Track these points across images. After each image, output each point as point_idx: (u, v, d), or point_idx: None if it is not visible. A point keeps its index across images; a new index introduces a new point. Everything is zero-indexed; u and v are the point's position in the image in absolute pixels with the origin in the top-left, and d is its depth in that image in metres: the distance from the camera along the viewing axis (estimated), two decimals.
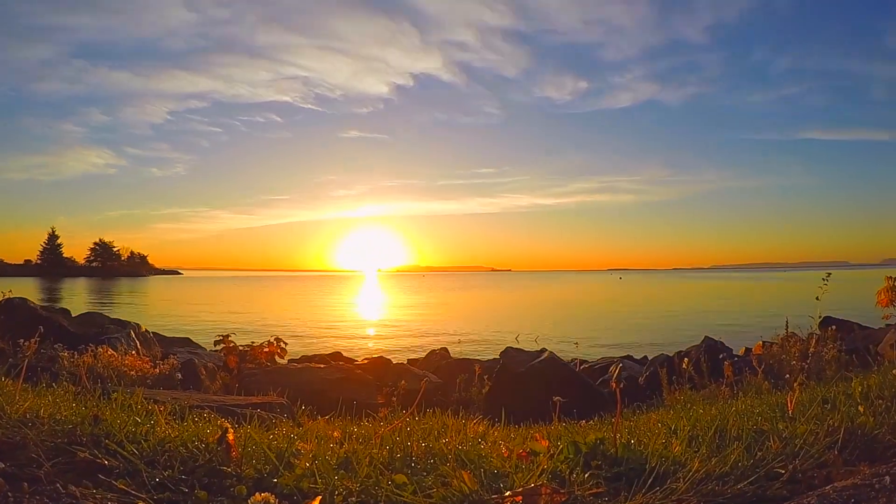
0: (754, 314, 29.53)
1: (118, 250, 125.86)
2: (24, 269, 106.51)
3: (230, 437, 1.91)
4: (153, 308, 38.77)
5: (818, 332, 6.54)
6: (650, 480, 1.77)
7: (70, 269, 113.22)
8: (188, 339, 12.03)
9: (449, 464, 1.92)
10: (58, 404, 2.51)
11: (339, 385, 6.75)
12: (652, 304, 43.77)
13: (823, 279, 6.03)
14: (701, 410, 3.29)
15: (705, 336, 8.43)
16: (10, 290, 8.36)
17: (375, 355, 11.14)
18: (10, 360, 4.97)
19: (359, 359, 10.71)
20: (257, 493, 1.44)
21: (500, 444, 2.31)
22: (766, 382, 5.29)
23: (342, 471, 1.86)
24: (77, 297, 47.52)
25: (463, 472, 1.78)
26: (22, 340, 5.43)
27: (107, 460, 1.81)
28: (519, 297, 59.42)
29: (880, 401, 2.59)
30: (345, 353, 12.56)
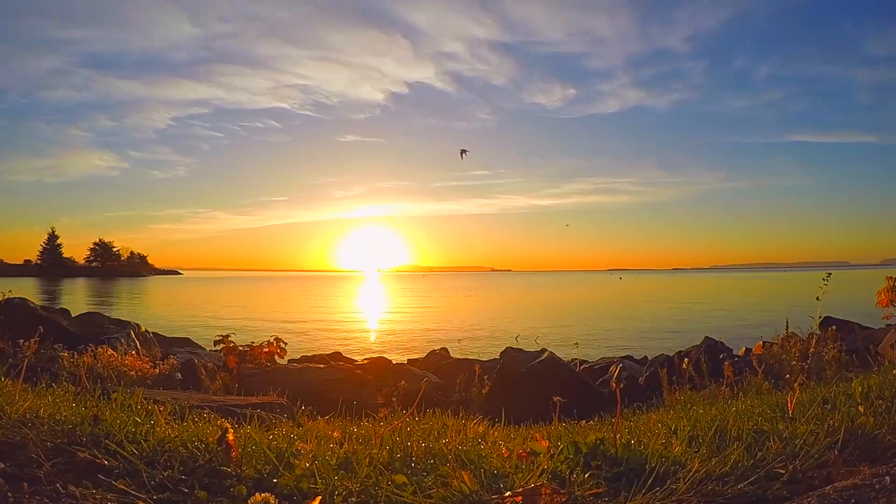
0: (754, 314, 29.55)
1: (118, 250, 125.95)
2: (24, 269, 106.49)
3: (230, 437, 1.91)
4: (153, 308, 38.78)
5: (818, 332, 6.54)
6: (650, 481, 1.77)
7: (70, 269, 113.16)
8: (188, 339, 12.04)
9: (449, 464, 1.92)
10: (57, 404, 2.51)
11: (338, 385, 6.75)
12: (652, 304, 43.77)
13: (823, 279, 6.03)
14: (701, 410, 3.29)
15: (705, 336, 8.43)
16: (10, 291, 8.37)
17: (375, 355, 11.15)
18: (10, 360, 4.97)
19: (359, 359, 10.71)
20: (257, 494, 1.44)
21: (500, 445, 2.31)
22: (767, 383, 5.29)
23: (342, 471, 1.86)
24: (77, 297, 47.52)
25: (463, 472, 1.78)
26: (22, 340, 5.44)
27: (107, 460, 1.81)
28: (519, 297, 59.42)
29: (881, 401, 2.59)
30: (344, 353, 12.56)
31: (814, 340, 6.07)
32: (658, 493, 1.71)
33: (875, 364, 5.21)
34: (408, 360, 11.67)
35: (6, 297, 8.19)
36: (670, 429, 2.58)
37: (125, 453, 1.86)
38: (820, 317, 6.53)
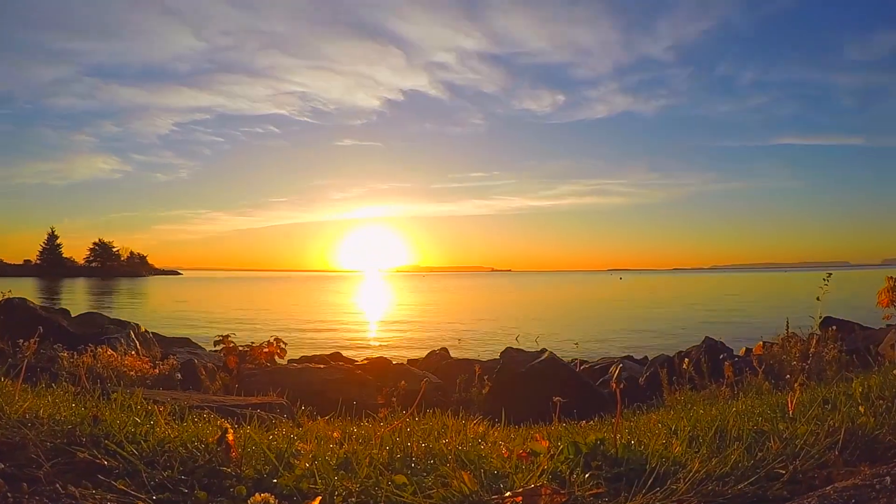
0: (754, 314, 29.54)
1: (118, 250, 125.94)
2: (24, 270, 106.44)
3: (230, 437, 1.90)
4: (153, 308, 38.77)
5: (819, 332, 6.54)
6: (650, 481, 1.76)
7: (69, 269, 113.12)
8: (188, 339, 12.04)
9: (449, 464, 1.92)
10: (57, 405, 2.51)
11: (338, 385, 6.75)
12: (652, 304, 43.76)
13: (824, 279, 6.03)
14: (701, 411, 3.28)
15: (705, 336, 8.43)
16: (10, 290, 8.37)
17: (375, 355, 11.14)
18: (10, 360, 4.97)
19: (358, 359, 10.70)
20: (257, 494, 1.43)
21: (501, 445, 2.31)
22: (767, 383, 5.29)
23: (342, 471, 1.86)
24: (76, 298, 47.52)
25: (463, 472, 1.78)
26: (21, 340, 5.43)
27: (106, 461, 1.81)
28: (519, 298, 59.41)
29: (881, 401, 2.59)
30: (344, 354, 12.57)
31: (814, 340, 6.07)
32: (658, 494, 1.70)
33: (875, 364, 5.20)
34: (408, 360, 11.67)
35: (6, 297, 8.19)
36: (670, 429, 2.58)
37: (125, 453, 1.86)
38: (820, 317, 6.53)
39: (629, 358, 11.75)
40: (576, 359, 10.31)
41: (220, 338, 7.39)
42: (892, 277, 5.40)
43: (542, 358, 7.40)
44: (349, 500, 1.67)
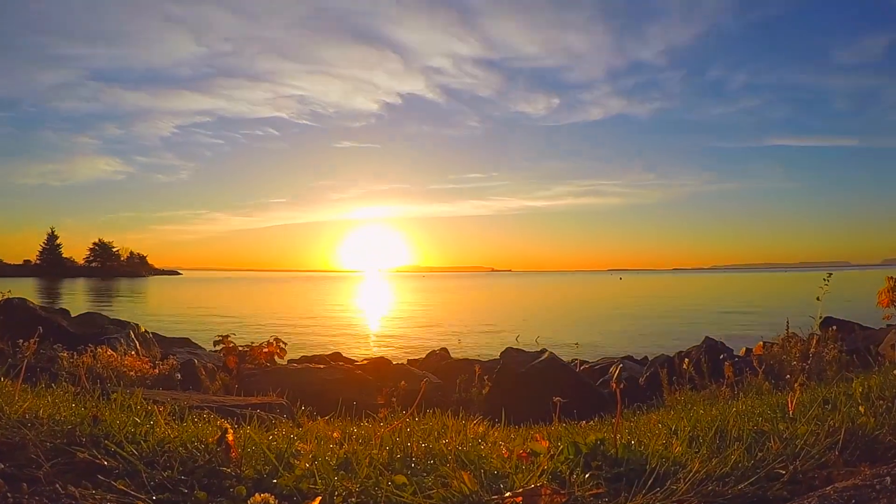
0: (754, 314, 29.54)
1: (117, 250, 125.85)
2: (23, 270, 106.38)
3: (230, 437, 1.90)
4: (153, 308, 38.76)
5: (819, 332, 6.54)
6: (650, 481, 1.76)
7: (69, 269, 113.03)
8: (188, 339, 12.04)
9: (449, 464, 1.92)
10: (57, 405, 2.50)
11: (338, 386, 6.75)
12: (652, 304, 43.76)
13: (824, 279, 6.03)
14: (701, 411, 3.28)
15: (706, 336, 8.44)
16: (10, 291, 8.36)
17: (375, 356, 11.14)
18: (10, 360, 4.97)
19: (358, 359, 10.71)
20: (257, 494, 1.43)
21: (501, 445, 2.31)
22: (767, 383, 5.29)
23: (342, 471, 1.86)
24: (76, 298, 47.49)
25: (463, 472, 1.78)
26: (21, 341, 5.42)
27: (106, 461, 1.81)
28: (519, 298, 59.40)
29: (881, 401, 2.59)
30: (344, 354, 12.56)
31: (814, 341, 6.07)
32: (658, 494, 1.70)
33: (876, 364, 5.21)
34: (408, 360, 11.67)
35: (6, 297, 8.18)
36: (671, 429, 2.58)
37: (125, 454, 1.85)
38: (820, 317, 6.53)
39: (629, 358, 11.75)
40: (576, 359, 10.32)
41: (220, 338, 7.39)
42: (892, 277, 5.39)
43: (542, 358, 7.40)
44: (349, 500, 1.67)
